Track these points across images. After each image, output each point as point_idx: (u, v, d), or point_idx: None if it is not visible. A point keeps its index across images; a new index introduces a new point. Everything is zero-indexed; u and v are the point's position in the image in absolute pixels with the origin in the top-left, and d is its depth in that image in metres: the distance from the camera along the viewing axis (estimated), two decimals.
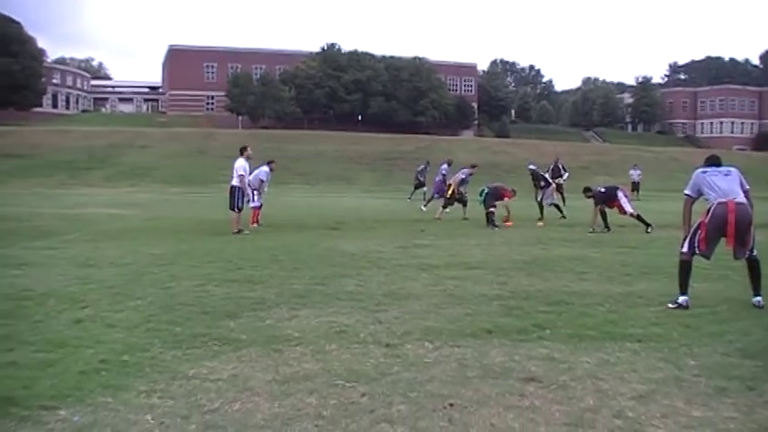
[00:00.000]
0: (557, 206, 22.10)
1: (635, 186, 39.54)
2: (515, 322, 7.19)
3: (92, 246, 13.62)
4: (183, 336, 6.46)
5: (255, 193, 18.55)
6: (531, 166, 22.91)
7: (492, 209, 18.81)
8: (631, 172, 41.91)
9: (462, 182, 22.43)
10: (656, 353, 6.05)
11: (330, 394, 4.92)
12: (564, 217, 21.37)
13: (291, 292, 8.78)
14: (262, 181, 18.81)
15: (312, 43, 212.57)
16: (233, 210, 16.84)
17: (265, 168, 19.09)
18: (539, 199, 21.60)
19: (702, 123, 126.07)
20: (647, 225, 17.52)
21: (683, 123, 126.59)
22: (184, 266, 10.82)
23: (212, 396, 4.86)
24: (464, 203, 22.19)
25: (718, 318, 7.49)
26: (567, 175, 28.26)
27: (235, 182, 16.96)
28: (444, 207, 22.02)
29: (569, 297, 8.59)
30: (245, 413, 4.56)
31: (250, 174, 18.49)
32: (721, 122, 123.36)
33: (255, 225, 17.90)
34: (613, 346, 6.26)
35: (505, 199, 19.34)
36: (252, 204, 18.42)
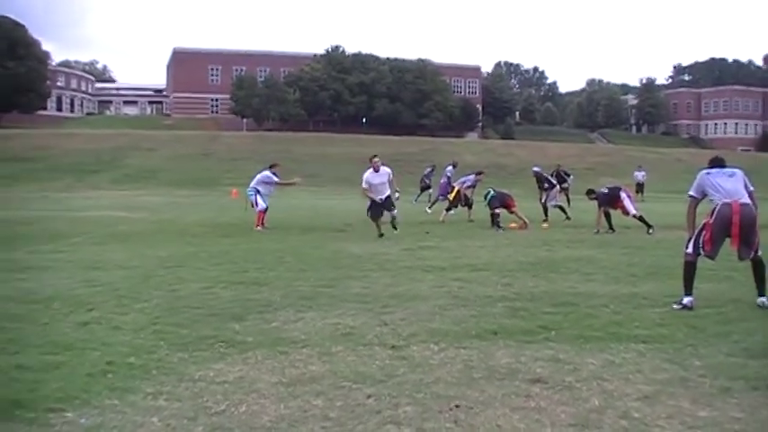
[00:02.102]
0: (561, 208, 22.16)
1: (640, 187, 39.61)
2: (521, 323, 7.19)
3: (98, 248, 13.65)
4: (190, 338, 6.48)
5: (259, 196, 18.58)
6: (535, 168, 22.97)
7: (497, 210, 18.80)
8: (636, 173, 41.94)
9: (468, 188, 22.64)
10: (661, 354, 6.05)
11: (336, 396, 4.93)
12: (569, 218, 21.40)
13: (297, 294, 8.80)
14: (266, 184, 18.85)
15: (316, 45, 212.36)
16: (367, 214, 17.04)
17: (267, 172, 19.14)
18: (543, 201, 21.64)
19: (707, 124, 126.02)
20: (649, 226, 17.54)
21: (687, 124, 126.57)
22: (191, 269, 10.83)
23: (219, 398, 4.87)
24: (469, 206, 22.24)
25: (723, 318, 7.49)
26: (571, 178, 28.40)
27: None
28: (448, 210, 22.03)
29: (575, 298, 8.59)
30: (251, 415, 4.57)
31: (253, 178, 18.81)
32: (725, 123, 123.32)
33: (260, 228, 17.89)
34: (619, 347, 6.26)
35: (513, 208, 19.31)
36: (257, 208, 18.46)
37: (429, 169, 33.37)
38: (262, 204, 18.48)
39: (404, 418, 4.51)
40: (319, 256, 12.56)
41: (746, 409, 4.71)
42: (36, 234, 16.16)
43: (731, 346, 6.32)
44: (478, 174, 23.06)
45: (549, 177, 22.85)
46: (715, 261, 8.48)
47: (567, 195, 27.06)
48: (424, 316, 7.56)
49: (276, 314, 7.60)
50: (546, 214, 21.03)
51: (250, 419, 4.49)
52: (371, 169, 16.16)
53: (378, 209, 16.32)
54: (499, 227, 18.35)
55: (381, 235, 16.15)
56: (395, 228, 16.63)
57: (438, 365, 5.70)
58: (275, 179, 19.15)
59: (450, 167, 27.99)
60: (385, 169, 16.31)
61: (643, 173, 42.00)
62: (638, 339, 6.52)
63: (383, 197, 16.23)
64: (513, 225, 19.01)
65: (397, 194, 16.94)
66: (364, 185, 16.24)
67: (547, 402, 4.82)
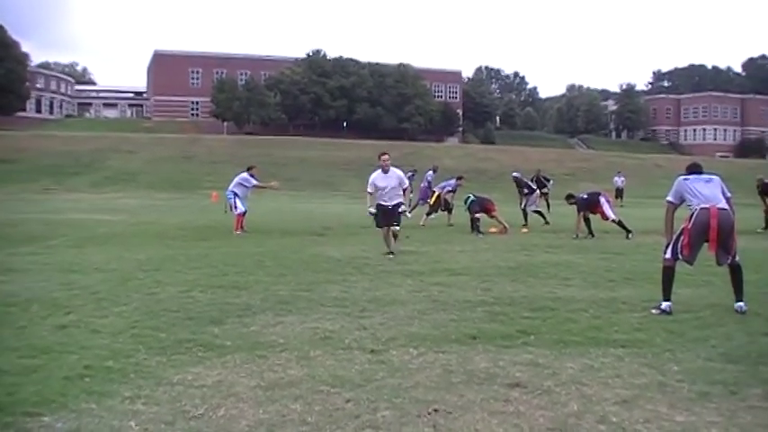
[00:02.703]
0: (540, 213, 22.25)
1: (619, 193, 39.93)
2: (500, 328, 7.20)
3: (76, 251, 13.56)
4: (168, 342, 6.44)
5: (238, 199, 18.54)
6: (515, 174, 23.10)
7: (477, 215, 18.82)
8: (615, 179, 42.26)
9: (448, 193, 22.70)
10: (639, 358, 6.08)
11: (315, 400, 4.91)
12: (548, 223, 21.53)
13: (276, 298, 8.77)
14: (243, 186, 18.82)
15: (297, 49, 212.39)
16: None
17: (245, 174, 19.10)
18: (522, 206, 21.72)
19: (686, 130, 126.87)
20: (628, 231, 17.65)
21: (666, 130, 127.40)
22: (169, 272, 10.78)
23: (197, 402, 4.84)
24: (449, 211, 22.32)
25: (701, 323, 7.53)
26: (551, 183, 28.76)
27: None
28: (428, 214, 22.06)
29: (554, 303, 8.62)
30: (229, 419, 4.55)
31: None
32: (704, 129, 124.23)
33: (239, 232, 17.86)
34: (597, 351, 6.28)
35: (493, 213, 19.34)
36: (236, 212, 18.41)
37: (410, 173, 33.40)
38: (240, 208, 18.43)
39: (382, 422, 4.51)
40: (298, 260, 12.54)
41: (724, 413, 4.73)
42: (14, 236, 16.03)
43: (709, 350, 6.36)
44: (459, 178, 23.12)
45: (529, 182, 22.99)
46: (693, 266, 8.55)
47: (546, 200, 27.31)
48: (403, 320, 7.56)
49: (255, 318, 7.58)
50: (525, 219, 21.11)
51: (228, 424, 4.47)
52: (379, 170, 13.77)
53: (385, 217, 13.63)
54: (479, 232, 18.38)
55: (391, 253, 13.40)
56: (391, 252, 13.55)
57: (417, 370, 5.70)
58: (253, 181, 19.10)
59: (430, 172, 27.97)
60: (396, 172, 13.85)
61: (622, 178, 42.31)
62: (617, 344, 6.55)
63: (391, 204, 13.67)
64: (493, 230, 19.05)
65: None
66: (369, 189, 13.90)
67: (525, 407, 4.83)
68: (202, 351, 6.18)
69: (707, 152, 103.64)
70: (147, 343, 6.38)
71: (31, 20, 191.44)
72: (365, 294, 9.11)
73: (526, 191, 21.93)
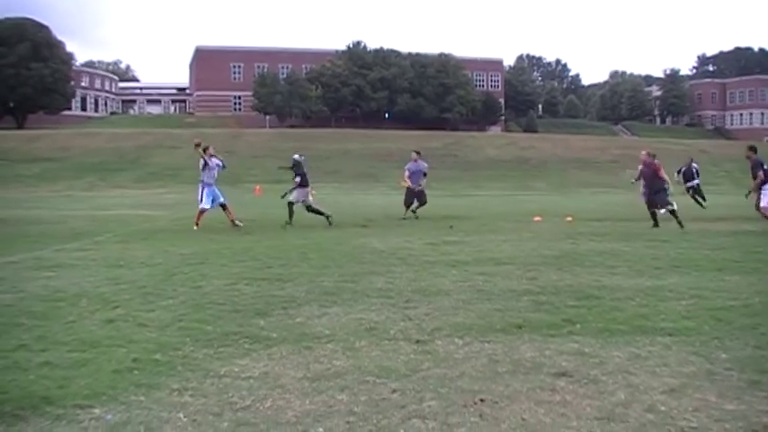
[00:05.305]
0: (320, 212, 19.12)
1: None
2: (545, 317, 7.15)
3: (122, 246, 13.71)
4: (215, 334, 6.49)
5: (204, 191, 18.02)
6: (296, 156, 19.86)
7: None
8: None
9: (413, 174, 21.21)
10: (687, 346, 6.00)
11: (361, 391, 4.92)
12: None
13: (321, 289, 8.79)
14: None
15: (338, 41, 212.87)
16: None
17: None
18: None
19: (732, 115, 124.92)
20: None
21: (712, 115, 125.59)
22: (214, 266, 10.86)
23: (244, 394, 4.87)
24: (412, 203, 21.01)
25: (750, 311, 7.39)
26: (698, 180, 27.94)
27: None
28: (408, 207, 20.91)
29: (599, 291, 8.53)
30: (276, 410, 4.57)
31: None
32: (751, 113, 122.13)
33: (196, 228, 17.30)
34: (644, 340, 6.21)
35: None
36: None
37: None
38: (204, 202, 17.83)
39: (428, 412, 4.50)
40: (342, 252, 12.56)
41: None
42: (61, 232, 16.27)
43: (759, 338, 6.25)
44: (415, 153, 21.97)
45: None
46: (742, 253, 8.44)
47: (698, 192, 27.27)
48: (448, 310, 7.53)
49: (300, 310, 7.60)
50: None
51: (275, 414, 4.50)
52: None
53: None
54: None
55: None
56: None
57: (462, 360, 5.69)
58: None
59: (693, 164, 27.95)
60: None
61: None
62: (664, 332, 6.47)
63: None
64: (538, 219, 18.93)
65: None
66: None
67: (572, 396, 4.79)
68: (249, 343, 6.21)
69: (754, 137, 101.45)
70: (194, 336, 6.44)
71: (75, 19, 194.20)
72: (410, 285, 9.09)
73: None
